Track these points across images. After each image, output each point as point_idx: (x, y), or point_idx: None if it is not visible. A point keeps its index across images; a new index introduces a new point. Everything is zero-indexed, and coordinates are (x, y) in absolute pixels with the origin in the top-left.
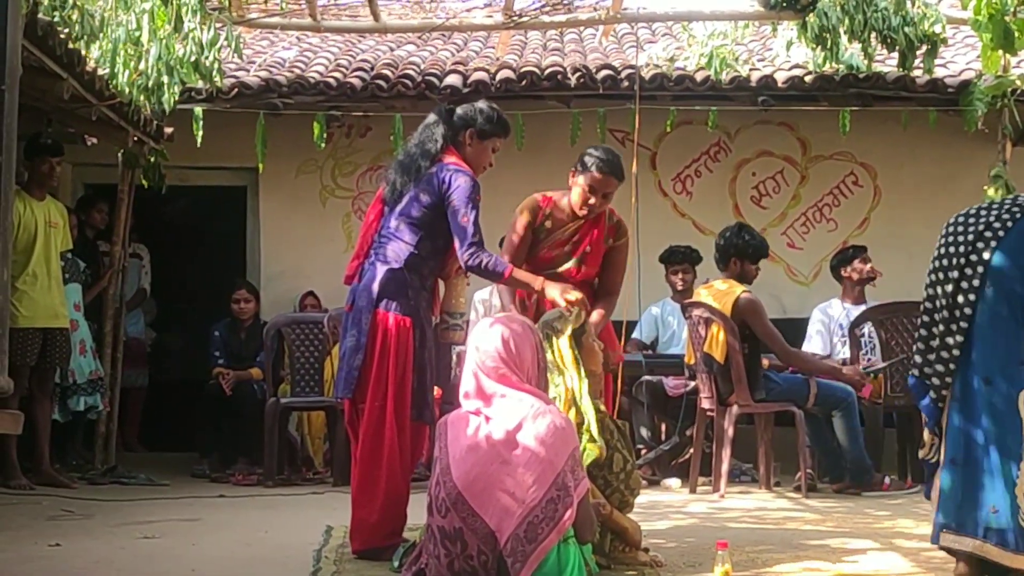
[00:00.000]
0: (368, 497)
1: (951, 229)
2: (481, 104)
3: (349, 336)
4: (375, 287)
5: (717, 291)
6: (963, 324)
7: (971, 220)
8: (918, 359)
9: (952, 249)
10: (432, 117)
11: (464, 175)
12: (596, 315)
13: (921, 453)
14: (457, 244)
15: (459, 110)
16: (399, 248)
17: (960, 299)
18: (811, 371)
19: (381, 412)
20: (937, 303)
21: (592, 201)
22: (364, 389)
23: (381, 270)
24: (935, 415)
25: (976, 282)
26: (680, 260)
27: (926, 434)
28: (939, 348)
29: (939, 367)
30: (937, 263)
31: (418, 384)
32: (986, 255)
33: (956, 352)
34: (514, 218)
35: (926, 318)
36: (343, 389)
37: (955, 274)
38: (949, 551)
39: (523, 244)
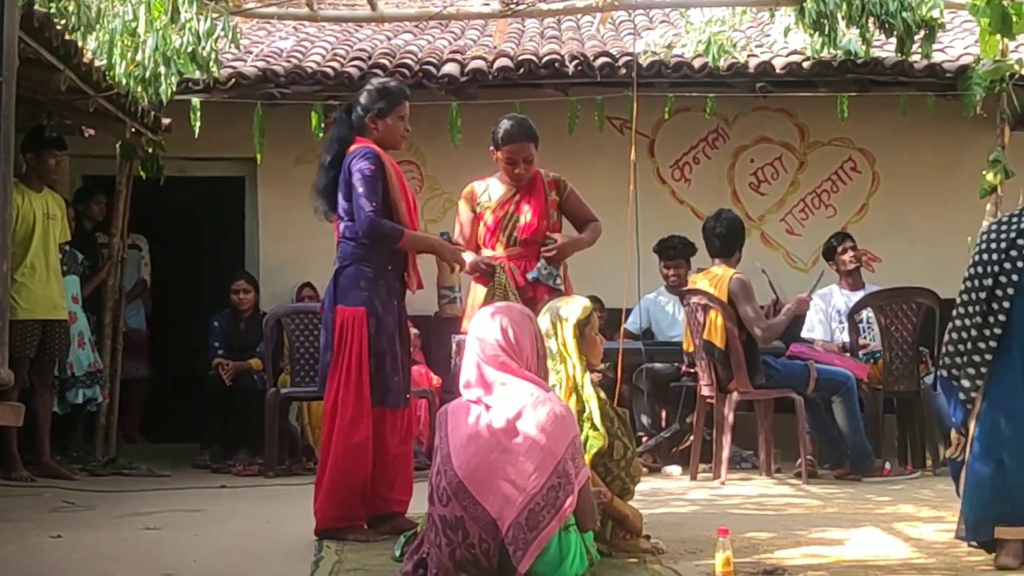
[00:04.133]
0: (319, 482)
1: (985, 237)
2: (368, 86)
3: (322, 336)
4: (331, 287)
5: (714, 276)
6: (997, 330)
7: (1003, 228)
8: (947, 360)
9: (986, 256)
10: (333, 128)
11: (359, 157)
12: (587, 233)
13: (948, 452)
14: (356, 220)
15: (358, 101)
16: (345, 247)
17: (995, 306)
18: (780, 331)
19: (333, 403)
20: (970, 309)
21: (517, 170)
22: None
23: (336, 270)
24: (963, 415)
25: (1011, 290)
26: (673, 255)
27: (953, 434)
28: (971, 352)
29: (970, 370)
30: (972, 271)
31: (376, 370)
32: (1020, 263)
33: (988, 356)
34: (456, 212)
35: (958, 323)
36: (319, 386)
37: (989, 281)
38: (985, 543)
39: (471, 225)
